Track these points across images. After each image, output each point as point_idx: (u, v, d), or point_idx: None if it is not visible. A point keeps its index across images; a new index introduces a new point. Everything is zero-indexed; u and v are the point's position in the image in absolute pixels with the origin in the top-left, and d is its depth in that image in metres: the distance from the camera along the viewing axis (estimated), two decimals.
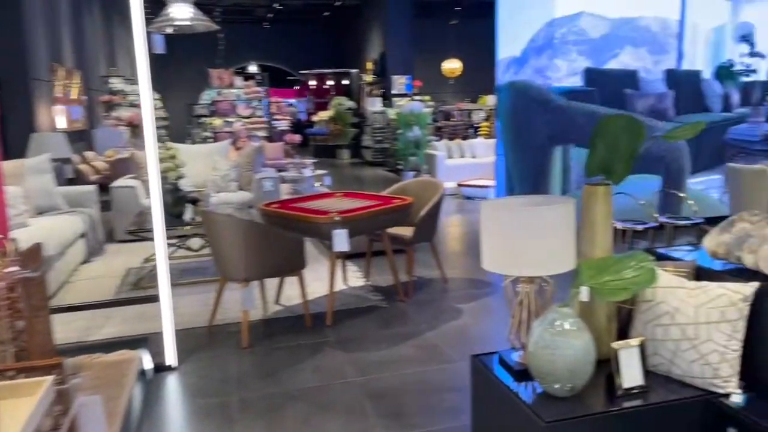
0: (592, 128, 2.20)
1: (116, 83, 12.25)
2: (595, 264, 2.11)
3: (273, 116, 12.74)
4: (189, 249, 5.14)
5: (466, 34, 18.17)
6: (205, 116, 12.13)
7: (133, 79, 13.90)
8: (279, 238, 3.54)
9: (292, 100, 23.68)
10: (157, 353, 3.25)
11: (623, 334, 2.22)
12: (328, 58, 20.99)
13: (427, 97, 14.61)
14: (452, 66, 16.35)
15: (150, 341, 3.40)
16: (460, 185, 8.64)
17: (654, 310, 2.09)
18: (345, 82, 21.19)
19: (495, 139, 10.88)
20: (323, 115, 16.88)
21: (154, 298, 3.32)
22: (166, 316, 3.28)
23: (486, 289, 4.39)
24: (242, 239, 3.34)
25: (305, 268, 3.74)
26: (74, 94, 9.26)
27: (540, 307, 2.19)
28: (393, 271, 4.11)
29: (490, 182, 8.56)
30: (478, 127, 12.33)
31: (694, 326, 1.99)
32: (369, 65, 17.38)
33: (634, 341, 2.03)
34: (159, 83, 20.34)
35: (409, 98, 14.66)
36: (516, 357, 2.22)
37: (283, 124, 12.79)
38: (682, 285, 2.08)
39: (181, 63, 20.06)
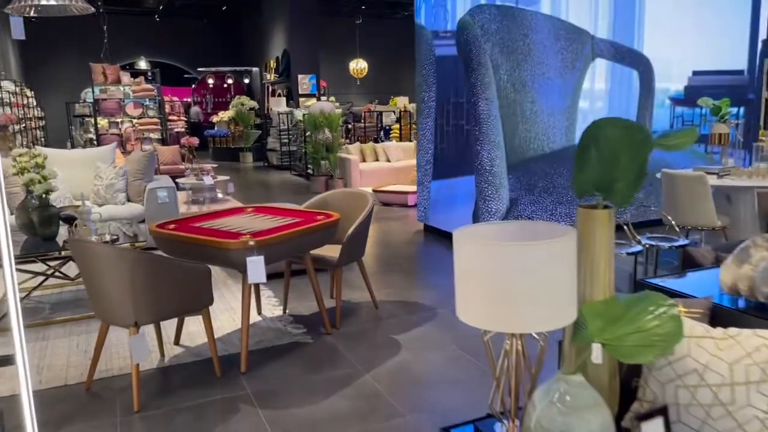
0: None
1: None
2: (601, 311, 1.64)
3: (167, 117, 11.61)
4: (64, 277, 4.24)
5: (372, 33, 17.79)
6: (88, 116, 10.81)
7: None
8: (178, 269, 2.83)
9: (188, 99, 22.24)
10: (14, 429, 2.45)
11: (627, 391, 1.78)
12: (228, 56, 19.85)
13: (332, 98, 14.05)
14: (359, 66, 15.88)
15: (2, 411, 2.58)
16: (376, 191, 8.15)
17: (675, 367, 1.65)
18: (246, 80, 20.15)
19: (409, 142, 10.54)
20: (223, 115, 15.82)
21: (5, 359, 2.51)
22: (22, 377, 2.48)
23: (421, 314, 3.89)
24: (128, 276, 2.60)
25: (212, 303, 3.05)
26: None
27: (528, 365, 1.71)
28: (318, 300, 3.51)
29: (409, 188, 8.14)
30: (390, 130, 11.93)
31: (730, 387, 1.57)
32: (271, 63, 16.54)
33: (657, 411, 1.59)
34: (33, 79, 18.34)
35: (315, 98, 14.03)
36: (501, 431, 1.72)
37: (178, 126, 11.69)
38: (708, 333, 1.66)
39: (61, 58, 18.14)
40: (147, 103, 11.42)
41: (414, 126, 11.94)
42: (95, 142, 10.89)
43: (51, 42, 18.23)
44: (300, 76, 14.90)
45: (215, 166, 9.32)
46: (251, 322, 3.72)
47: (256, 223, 3.35)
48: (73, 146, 14.28)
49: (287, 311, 3.94)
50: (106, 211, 5.55)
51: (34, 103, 17.28)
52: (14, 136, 10.64)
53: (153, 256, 2.69)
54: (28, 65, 18.47)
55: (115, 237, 4.02)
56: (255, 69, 18.96)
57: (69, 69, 17.13)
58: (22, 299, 4.11)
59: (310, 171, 10.84)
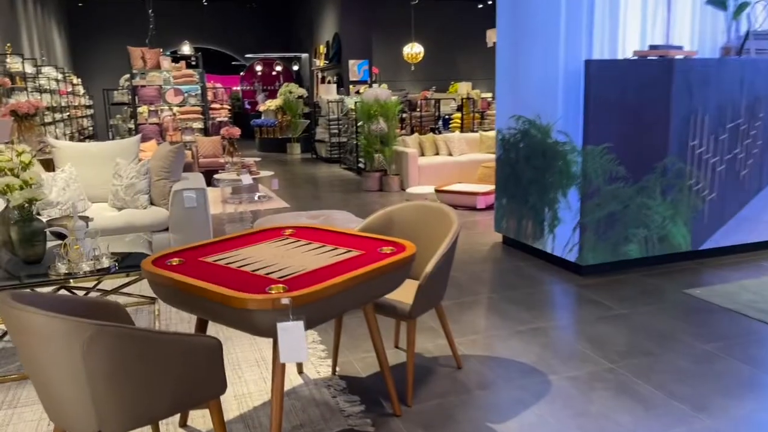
0: None
1: (15, 63, 10.04)
2: None
3: (210, 105, 10.78)
4: None
5: (427, 15, 16.57)
6: (126, 104, 10.11)
7: (35, 59, 11.66)
8: (167, 349, 1.79)
9: (237, 88, 21.59)
10: None
11: None
12: (277, 42, 19.01)
13: (384, 85, 12.95)
14: (414, 51, 14.72)
15: None
16: (438, 191, 7.03)
17: None
18: (295, 67, 19.28)
19: (473, 133, 9.34)
20: (271, 104, 14.97)
21: None
22: None
23: (525, 380, 2.78)
24: (82, 364, 1.59)
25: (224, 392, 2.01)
26: None
27: None
28: (382, 367, 2.44)
29: (478, 187, 6.98)
30: (450, 120, 10.75)
31: None
32: (321, 49, 15.57)
33: None
34: (80, 67, 17.96)
35: (367, 85, 12.97)
36: None
37: (221, 115, 10.84)
38: None
39: (107, 45, 17.68)
40: (189, 90, 10.62)
41: (478, 115, 10.73)
42: (134, 133, 10.17)
43: (98, 28, 17.80)
44: (351, 62, 13.88)
45: (258, 159, 8.41)
46: (288, 388, 2.69)
47: (295, 258, 2.30)
48: (112, 137, 13.70)
49: (337, 369, 2.89)
50: (123, 217, 4.65)
51: (82, 91, 16.88)
52: (43, 126, 10.04)
53: (123, 331, 1.66)
54: (76, 52, 18.11)
55: (110, 265, 3.06)
56: (304, 55, 18.06)
57: (114, 56, 16.61)
58: None
59: (361, 165, 9.81)
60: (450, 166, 8.32)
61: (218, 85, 12.13)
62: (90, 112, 17.24)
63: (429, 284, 2.50)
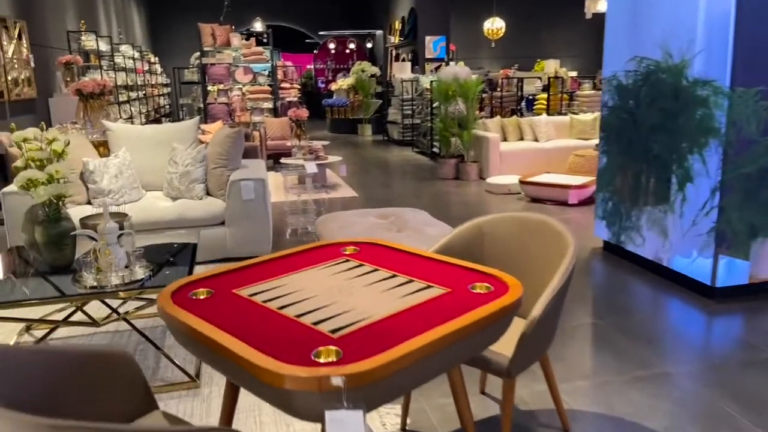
0: None
1: (89, 41, 9.98)
2: None
3: (280, 84, 10.38)
4: (90, 321, 2.92)
5: None
6: (195, 83, 9.88)
7: (110, 37, 11.61)
8: None
9: (310, 66, 21.28)
10: None
11: None
12: (351, 18, 18.44)
13: (461, 63, 12.11)
14: (495, 26, 13.74)
15: None
16: (523, 183, 6.28)
17: None
18: (369, 45, 18.67)
19: (562, 116, 8.42)
20: (342, 83, 14.48)
21: None
22: None
23: None
24: None
25: None
26: (10, 51, 7.02)
27: None
28: (467, 428, 1.83)
29: (570, 179, 6.17)
30: (534, 101, 9.84)
31: None
32: (396, 25, 14.86)
33: None
34: (158, 45, 18.10)
35: (444, 64, 12.19)
36: None
37: (291, 95, 10.42)
38: None
39: (183, 22, 17.70)
40: (261, 69, 10.26)
41: (566, 96, 9.76)
42: (203, 113, 9.94)
43: (177, 5, 17.84)
44: (427, 39, 13.11)
45: (326, 143, 7.91)
46: None
47: (356, 297, 1.71)
48: (181, 118, 13.63)
49: (408, 422, 2.30)
50: (176, 209, 4.24)
51: (159, 70, 17.00)
52: (118, 105, 9.94)
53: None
54: (155, 30, 18.26)
55: (144, 276, 2.60)
56: (379, 32, 17.40)
57: (191, 34, 16.58)
58: None
59: (436, 150, 9.13)
60: (535, 154, 7.51)
61: (288, 63, 11.70)
62: (167, 90, 17.37)
63: (536, 333, 1.85)
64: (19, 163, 2.78)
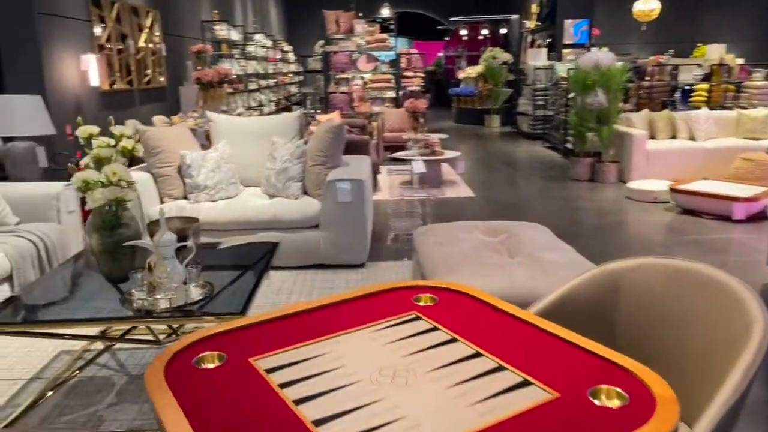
0: None
1: (221, 30, 10.21)
2: None
3: (402, 73, 9.95)
4: (152, 340, 2.65)
5: None
6: (318, 72, 9.73)
7: (242, 26, 11.84)
8: None
9: (441, 54, 20.69)
10: None
11: None
12: (485, 3, 17.55)
13: (605, 49, 10.84)
14: (649, 6, 12.21)
15: None
16: (674, 190, 5.28)
17: None
18: (503, 30, 17.67)
19: (728, 111, 7.08)
20: (471, 71, 13.74)
21: None
22: None
23: None
24: None
25: None
26: (142, 40, 7.22)
27: None
28: None
29: (735, 188, 5.08)
30: (691, 92, 8.49)
31: None
32: (533, 8, 13.79)
33: None
34: (292, 34, 18.46)
35: (584, 49, 11.03)
36: None
37: (413, 84, 9.95)
38: None
39: (319, 12, 17.87)
40: (386, 57, 9.89)
41: (732, 87, 8.31)
42: (325, 103, 9.78)
43: None
44: (567, 22, 11.96)
45: (445, 137, 7.34)
46: None
47: (413, 395, 1.17)
48: (306, 107, 13.67)
49: None
50: (270, 209, 3.92)
51: (293, 59, 17.32)
52: (247, 94, 10.05)
53: None
54: (290, 19, 18.65)
55: (201, 297, 2.23)
56: (514, 16, 16.37)
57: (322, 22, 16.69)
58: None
59: (569, 146, 8.19)
60: (691, 155, 6.38)
61: (414, 51, 11.22)
62: (300, 79, 17.65)
63: None
64: (87, 160, 2.54)
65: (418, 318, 1.49)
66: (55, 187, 3.62)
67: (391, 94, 9.85)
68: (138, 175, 4.03)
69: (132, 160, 2.64)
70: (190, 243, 2.40)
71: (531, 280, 2.48)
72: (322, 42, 10.03)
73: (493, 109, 12.96)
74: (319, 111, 9.50)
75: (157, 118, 6.88)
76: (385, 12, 12.14)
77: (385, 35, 9.35)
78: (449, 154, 6.62)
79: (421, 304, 1.58)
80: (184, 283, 2.31)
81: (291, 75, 16.73)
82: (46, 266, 3.32)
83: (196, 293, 2.27)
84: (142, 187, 3.92)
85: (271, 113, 13.00)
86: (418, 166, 4.51)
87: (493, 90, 12.95)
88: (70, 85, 5.50)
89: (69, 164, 3.02)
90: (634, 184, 5.91)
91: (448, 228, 3.26)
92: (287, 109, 14.36)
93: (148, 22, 7.37)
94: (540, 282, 2.48)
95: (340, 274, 3.83)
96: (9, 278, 3.10)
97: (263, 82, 12.86)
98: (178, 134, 4.32)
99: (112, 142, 2.58)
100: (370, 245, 4.35)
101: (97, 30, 6.04)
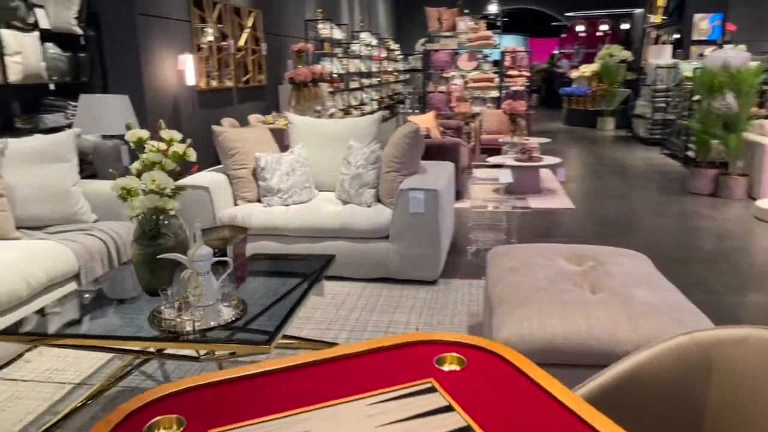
0: None
1: (324, 29, 10.25)
2: None
3: (506, 72, 9.45)
4: (192, 356, 2.52)
5: None
6: (417, 70, 9.48)
7: (346, 25, 11.83)
8: None
9: (555, 52, 19.69)
10: None
11: None
12: None
13: (741, 47, 9.61)
14: None
15: None
16: None
17: None
18: (625, 26, 16.45)
19: None
20: (585, 70, 12.86)
21: None
22: None
23: None
24: None
25: None
26: (243, 40, 7.34)
27: None
28: None
29: None
30: None
31: None
32: (660, 2, 12.65)
33: None
34: (401, 32, 18.32)
35: (716, 47, 9.89)
36: None
37: (517, 83, 9.40)
38: None
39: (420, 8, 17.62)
40: (492, 54, 9.45)
41: None
42: (423, 102, 9.50)
43: None
44: (697, 17, 10.81)
45: (547, 141, 6.80)
46: None
47: None
48: (405, 106, 13.43)
49: None
50: (340, 217, 3.72)
51: (400, 57, 17.21)
52: (348, 92, 9.98)
53: None
54: (399, 17, 18.56)
55: (231, 319, 2.04)
56: (639, 11, 15.16)
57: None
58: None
59: (691, 154, 7.32)
60: None
61: (519, 48, 10.63)
62: (406, 77, 17.51)
63: None
64: (137, 165, 2.46)
65: (432, 389, 1.18)
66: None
67: (494, 93, 9.38)
68: (213, 177, 4.00)
69: (178, 173, 2.50)
70: (227, 258, 2.24)
71: (611, 326, 2.07)
72: (423, 40, 9.77)
73: (607, 110, 12.04)
74: (417, 111, 9.25)
75: (253, 117, 6.96)
76: (493, 8, 11.62)
77: (489, 32, 8.90)
78: (548, 160, 6.11)
79: (444, 368, 1.27)
80: (220, 301, 2.15)
81: (396, 73, 16.63)
82: (115, 265, 3.35)
83: (227, 314, 2.10)
84: (215, 189, 3.88)
85: (372, 112, 12.96)
86: (505, 176, 4.11)
87: (608, 90, 12.02)
88: (166, 85, 5.66)
89: (111, 170, 2.97)
90: (766, 203, 5.09)
91: (526, 251, 2.88)
92: (390, 108, 14.25)
93: (249, 21, 7.49)
94: (623, 329, 2.05)
95: (409, 290, 3.56)
96: (77, 276, 3.15)
97: (366, 81, 12.83)
98: (255, 136, 4.24)
99: (163, 146, 2.47)
100: (448, 259, 4.04)
101: (197, 30, 6.18)
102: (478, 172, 6.16)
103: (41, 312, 2.23)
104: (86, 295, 2.44)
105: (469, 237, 4.36)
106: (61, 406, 2.42)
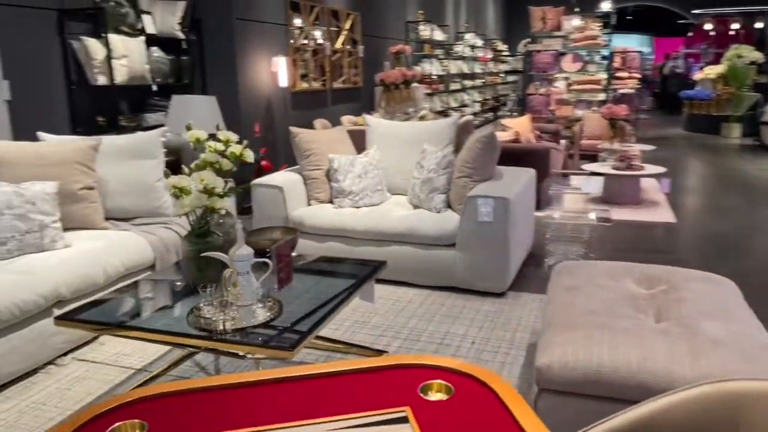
0: None
1: (425, 30, 10.21)
2: None
3: (614, 74, 8.88)
4: (236, 354, 2.58)
5: None
6: (517, 72, 9.14)
7: (446, 26, 11.68)
8: None
9: (678, 51, 18.29)
10: None
11: None
12: None
13: None
14: None
15: None
16: None
17: None
18: (758, 25, 14.90)
19: None
20: (710, 71, 11.81)
21: None
22: None
23: None
24: None
25: None
26: (340, 42, 7.48)
27: None
28: None
29: None
30: None
31: None
32: None
33: None
34: (511, 33, 17.82)
35: None
36: None
37: (627, 86, 8.81)
38: None
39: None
40: (590, 56, 8.95)
41: None
42: (522, 105, 9.17)
43: None
44: None
45: (651, 148, 6.30)
46: None
47: None
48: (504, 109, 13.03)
49: None
50: (407, 222, 3.66)
51: (507, 58, 16.77)
52: (449, 94, 9.84)
53: None
54: (509, 18, 18.10)
55: (264, 320, 2.05)
56: None
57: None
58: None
59: None
60: None
61: (630, 49, 9.95)
62: (512, 78, 17.04)
63: None
64: (196, 164, 2.55)
65: (404, 420, 1.09)
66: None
67: (601, 96, 8.86)
68: (287, 177, 4.09)
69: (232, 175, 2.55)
70: (268, 260, 2.26)
71: (668, 360, 1.84)
72: (525, 41, 9.44)
73: (733, 116, 10.97)
74: (515, 114, 8.95)
75: (345, 118, 7.07)
76: (606, 5, 10.98)
77: (596, 32, 8.41)
78: (650, 169, 5.65)
79: (430, 396, 1.17)
80: (261, 300, 2.18)
81: (503, 75, 16.20)
82: None
83: (261, 316, 2.11)
84: (288, 189, 3.96)
85: (474, 114, 12.73)
86: (589, 185, 3.82)
87: (735, 94, 10.95)
88: (260, 86, 5.88)
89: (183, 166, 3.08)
90: None
91: (593, 268, 2.66)
92: (494, 110, 13.93)
93: (347, 24, 7.62)
94: (681, 365, 1.82)
95: (473, 302, 3.42)
96: (153, 267, 3.34)
97: (468, 83, 12.62)
98: (332, 137, 4.28)
99: (221, 146, 2.54)
100: (523, 271, 3.86)
101: (293, 33, 6.37)
102: (573, 180, 5.84)
103: (96, 301, 2.37)
104: (145, 287, 2.56)
105: (549, 248, 4.12)
106: (118, 389, 2.57)
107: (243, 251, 2.16)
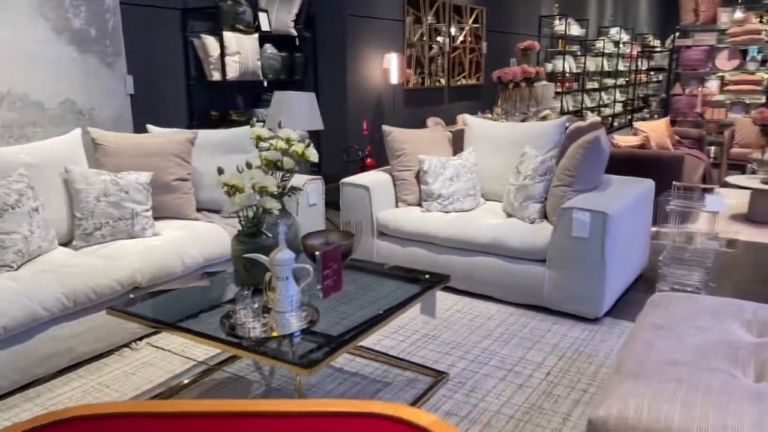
0: None
1: (560, 25, 9.59)
2: None
3: None
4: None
5: None
6: (663, 69, 8.19)
7: (586, 20, 10.83)
8: None
9: None
10: None
11: None
12: None
13: None
14: None
15: None
16: None
17: None
18: None
19: None
20: None
21: None
22: None
23: None
24: None
25: None
26: (461, 38, 7.22)
27: None
28: None
29: None
30: None
31: None
32: None
33: None
34: (662, 28, 16.25)
35: None
36: None
37: None
38: None
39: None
40: (755, 53, 7.82)
41: None
42: (666, 106, 8.24)
43: None
44: None
45: None
46: None
47: None
48: (649, 110, 11.83)
49: None
50: (493, 232, 3.37)
51: (657, 54, 15.32)
52: (583, 93, 9.11)
53: None
54: (666, 10, 16.51)
55: (295, 330, 1.94)
56: None
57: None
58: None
59: None
60: None
61: None
62: (658, 78, 15.56)
63: None
64: (258, 162, 2.51)
65: None
66: (301, 179, 3.79)
67: (761, 99, 7.72)
68: (376, 176, 3.96)
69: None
70: (312, 265, 2.14)
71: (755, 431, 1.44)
72: (673, 36, 8.48)
73: None
74: (656, 116, 8.08)
75: (460, 117, 6.82)
76: None
77: (758, 25, 7.32)
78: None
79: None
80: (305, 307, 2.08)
81: (653, 73, 14.81)
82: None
83: (295, 325, 2.00)
84: (376, 189, 3.84)
85: (612, 115, 11.78)
86: (714, 204, 3.25)
87: None
88: (371, 83, 5.83)
89: (218, 166, 3.08)
90: None
91: (695, 304, 2.22)
92: (637, 110, 12.79)
93: (470, 19, 7.34)
94: None
95: (562, 326, 3.06)
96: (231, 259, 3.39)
97: (609, 81, 11.69)
98: (427, 137, 4.09)
99: (283, 144, 2.48)
100: (627, 296, 3.41)
101: (409, 29, 6.24)
102: (726, 192, 5.10)
103: (157, 292, 2.41)
104: (205, 282, 2.57)
105: (661, 272, 3.59)
106: (176, 381, 2.61)
107: (282, 255, 2.06)
